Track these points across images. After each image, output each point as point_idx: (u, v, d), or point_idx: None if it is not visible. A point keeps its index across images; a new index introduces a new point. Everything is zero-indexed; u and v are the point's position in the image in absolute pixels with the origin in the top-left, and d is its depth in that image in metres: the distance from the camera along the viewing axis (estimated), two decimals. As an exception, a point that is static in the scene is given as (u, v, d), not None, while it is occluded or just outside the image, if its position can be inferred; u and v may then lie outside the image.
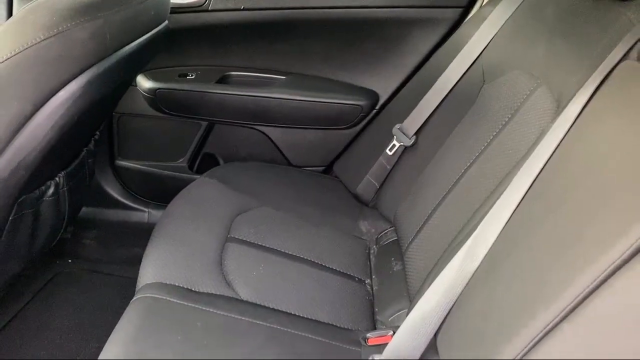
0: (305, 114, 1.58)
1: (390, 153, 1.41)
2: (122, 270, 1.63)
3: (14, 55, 0.83)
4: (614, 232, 0.61)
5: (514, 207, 0.82)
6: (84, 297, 1.57)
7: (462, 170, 1.15)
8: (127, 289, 1.12)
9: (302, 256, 1.23)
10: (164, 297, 1.01)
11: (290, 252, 1.22)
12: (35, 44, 0.83)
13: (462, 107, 1.26)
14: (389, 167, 1.43)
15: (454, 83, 1.32)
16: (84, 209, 1.63)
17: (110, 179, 1.67)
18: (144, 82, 1.53)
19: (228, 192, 1.36)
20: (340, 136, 1.62)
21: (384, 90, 1.57)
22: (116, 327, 0.96)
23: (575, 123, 0.81)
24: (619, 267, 0.59)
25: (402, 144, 1.39)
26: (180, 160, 1.68)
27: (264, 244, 1.22)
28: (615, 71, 0.80)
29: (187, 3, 1.50)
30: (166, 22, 1.19)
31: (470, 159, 1.14)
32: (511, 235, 0.81)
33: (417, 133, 1.38)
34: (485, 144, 1.12)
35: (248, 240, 1.22)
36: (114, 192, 1.68)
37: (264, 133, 1.64)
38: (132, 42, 1.01)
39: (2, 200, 0.92)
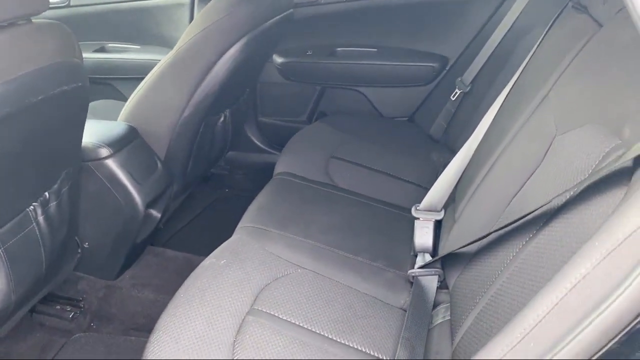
0: (392, 75, 2.07)
1: (453, 99, 1.89)
2: (263, 195, 2.22)
3: (207, 27, 1.45)
4: None
5: (500, 103, 1.29)
6: (238, 212, 2.20)
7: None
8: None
9: (383, 170, 1.73)
10: (289, 178, 1.59)
11: (375, 168, 1.74)
12: (217, 20, 1.46)
13: (503, 60, 1.71)
14: (452, 110, 1.91)
15: (498, 42, 1.77)
16: (235, 152, 2.26)
17: (255, 130, 2.27)
18: (277, 58, 2.12)
19: (334, 132, 1.91)
20: (418, 92, 2.08)
21: (452, 54, 2.00)
22: (260, 192, 1.55)
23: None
24: None
25: (461, 90, 1.87)
26: (302, 116, 2.25)
27: (357, 162, 1.75)
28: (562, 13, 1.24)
29: (306, -1, 2.08)
30: (291, 10, 1.77)
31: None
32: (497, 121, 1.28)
33: (472, 82, 1.85)
34: (515, 80, 1.56)
35: (346, 158, 1.76)
36: (257, 140, 2.28)
37: (361, 92, 2.15)
38: (270, 19, 1.61)
39: (197, 116, 1.56)
